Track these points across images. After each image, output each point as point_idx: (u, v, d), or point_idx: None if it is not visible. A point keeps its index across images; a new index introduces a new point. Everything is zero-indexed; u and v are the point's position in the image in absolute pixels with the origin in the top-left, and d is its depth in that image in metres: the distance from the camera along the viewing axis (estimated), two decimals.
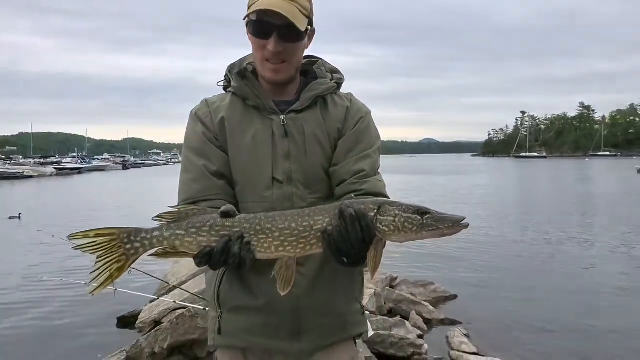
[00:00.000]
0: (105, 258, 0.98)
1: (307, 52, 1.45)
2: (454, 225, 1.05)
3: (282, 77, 1.37)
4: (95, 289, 1.03)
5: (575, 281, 6.91)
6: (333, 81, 1.45)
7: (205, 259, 1.05)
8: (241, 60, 1.46)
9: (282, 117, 1.36)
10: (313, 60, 1.49)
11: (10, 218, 14.61)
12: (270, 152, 1.33)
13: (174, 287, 4.89)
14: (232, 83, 1.42)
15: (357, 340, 1.47)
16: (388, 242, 1.14)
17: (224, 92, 1.47)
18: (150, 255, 1.03)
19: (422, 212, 1.07)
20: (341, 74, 1.50)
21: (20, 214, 14.71)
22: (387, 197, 1.28)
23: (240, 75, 1.41)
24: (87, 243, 0.97)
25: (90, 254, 0.97)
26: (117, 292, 4.30)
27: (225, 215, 1.05)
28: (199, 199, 1.30)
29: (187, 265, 6.14)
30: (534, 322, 5.30)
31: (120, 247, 0.99)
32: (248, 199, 1.33)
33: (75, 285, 5.37)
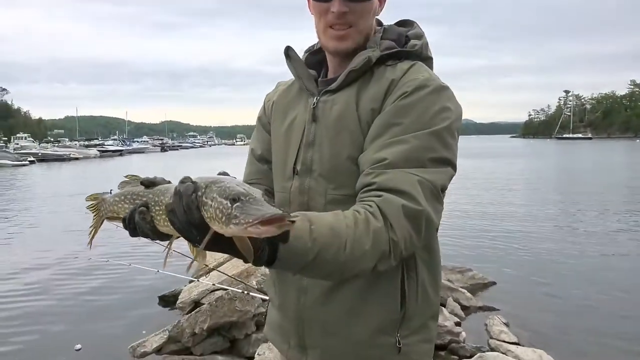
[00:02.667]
0: (94, 217, 1.14)
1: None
2: (259, 222, 0.75)
3: (348, 46, 1.14)
4: (89, 242, 1.14)
5: (624, 275, 6.59)
6: (381, 49, 1.14)
7: (124, 225, 0.97)
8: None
9: (314, 99, 1.19)
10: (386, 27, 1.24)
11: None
12: (299, 139, 1.19)
13: (212, 269, 5.00)
14: None
15: None
16: None
17: None
18: (107, 219, 1.09)
19: (235, 197, 0.78)
20: (420, 39, 1.18)
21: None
22: (410, 195, 0.95)
23: (285, 55, 1.26)
24: (89, 205, 1.11)
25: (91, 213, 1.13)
26: (159, 272, 4.49)
27: (146, 184, 0.95)
28: (248, 181, 1.32)
29: None
30: (578, 314, 5.11)
31: (97, 209, 1.12)
32: (276, 188, 1.26)
33: (121, 267, 5.62)
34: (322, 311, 1.15)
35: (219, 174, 0.89)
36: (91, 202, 1.11)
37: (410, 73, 1.10)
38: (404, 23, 1.24)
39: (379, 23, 1.23)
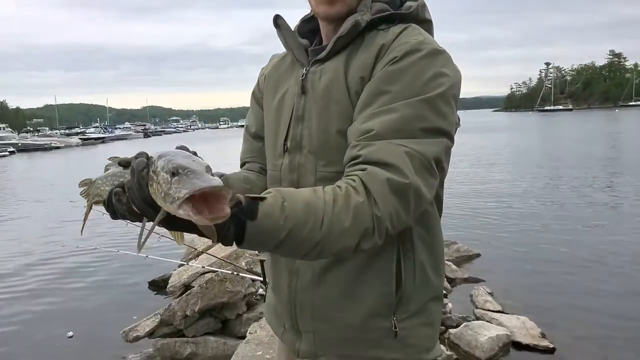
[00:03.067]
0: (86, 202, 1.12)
1: None
2: (190, 198, 0.65)
3: (338, 10, 1.04)
4: (82, 228, 1.15)
5: (604, 246, 6.80)
6: (372, 12, 1.04)
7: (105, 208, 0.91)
8: None
9: (303, 70, 1.11)
10: None
11: None
12: (289, 114, 1.11)
13: (201, 252, 5.03)
14: None
15: None
16: None
17: None
18: (94, 203, 1.04)
19: (174, 171, 0.68)
20: (407, 1, 1.08)
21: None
22: (396, 168, 0.88)
23: (274, 24, 1.17)
24: (80, 190, 1.08)
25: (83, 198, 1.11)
26: (148, 258, 4.50)
27: (123, 164, 0.91)
28: (244, 160, 1.31)
29: None
30: (560, 282, 5.28)
31: (87, 194, 1.09)
32: (268, 166, 1.20)
33: (109, 253, 5.60)
34: (314, 294, 1.10)
35: (177, 147, 0.82)
36: (82, 188, 1.09)
37: (402, 36, 1.00)
38: None
39: None
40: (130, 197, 0.77)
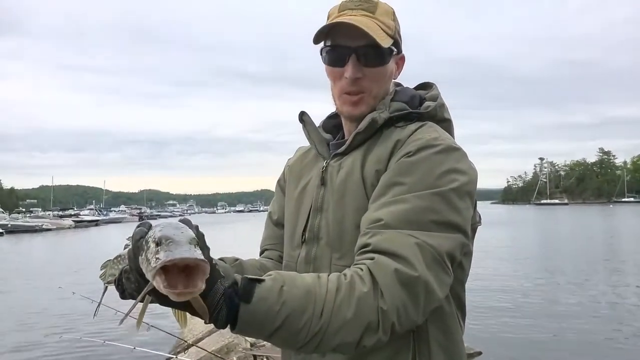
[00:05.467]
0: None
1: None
2: (161, 269, 0.64)
3: (362, 111, 1.09)
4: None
5: (610, 336, 6.55)
6: (390, 110, 1.08)
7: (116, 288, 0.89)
8: None
9: (325, 162, 1.14)
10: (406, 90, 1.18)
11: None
12: (309, 205, 1.12)
13: (191, 345, 4.82)
14: None
15: None
16: None
17: None
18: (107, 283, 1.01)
19: (159, 240, 0.67)
20: (434, 100, 1.12)
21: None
22: (406, 259, 0.85)
23: (299, 120, 1.22)
24: (100, 273, 1.04)
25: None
26: (135, 350, 4.29)
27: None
28: (264, 247, 1.30)
29: (202, 322, 6.06)
30: None
31: (105, 275, 1.04)
32: (284, 257, 1.19)
33: (94, 344, 5.36)
34: None
35: (180, 221, 0.79)
36: (102, 271, 1.04)
37: (417, 133, 1.02)
38: (424, 86, 1.19)
39: (397, 85, 1.18)
40: (130, 268, 0.75)
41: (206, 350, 4.23)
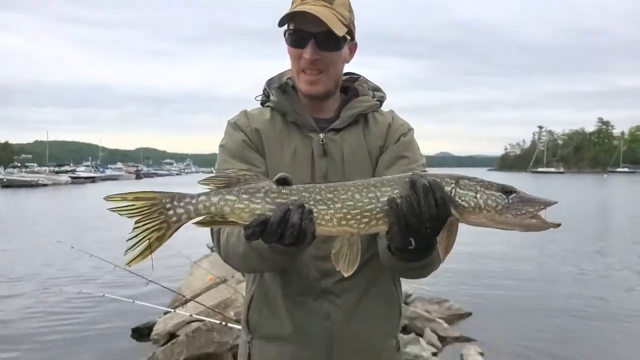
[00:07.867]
0: (145, 224, 0.88)
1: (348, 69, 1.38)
2: (545, 206, 0.96)
3: (319, 90, 1.29)
4: (132, 260, 0.90)
5: (594, 303, 6.76)
6: (375, 99, 1.39)
7: (259, 228, 0.90)
8: (280, 75, 1.41)
9: (321, 135, 1.30)
10: (354, 77, 1.44)
11: None
12: (309, 172, 1.27)
13: (189, 300, 4.93)
14: (271, 97, 1.36)
15: None
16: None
17: (261, 106, 1.41)
18: (196, 223, 0.91)
19: (507, 190, 0.96)
20: (383, 92, 1.43)
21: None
22: None
23: (280, 90, 1.35)
24: (124, 206, 0.87)
25: (128, 217, 0.87)
26: (135, 303, 4.39)
27: (282, 182, 0.93)
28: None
29: (201, 278, 6.19)
30: (549, 342, 5.21)
31: (161, 212, 0.88)
32: None
33: (93, 296, 5.48)
34: (350, 330, 1.26)
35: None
36: (142, 203, 0.88)
37: (397, 119, 1.41)
38: (352, 74, 1.45)
39: (349, 74, 1.43)
40: (399, 213, 0.94)
41: (204, 305, 4.33)
